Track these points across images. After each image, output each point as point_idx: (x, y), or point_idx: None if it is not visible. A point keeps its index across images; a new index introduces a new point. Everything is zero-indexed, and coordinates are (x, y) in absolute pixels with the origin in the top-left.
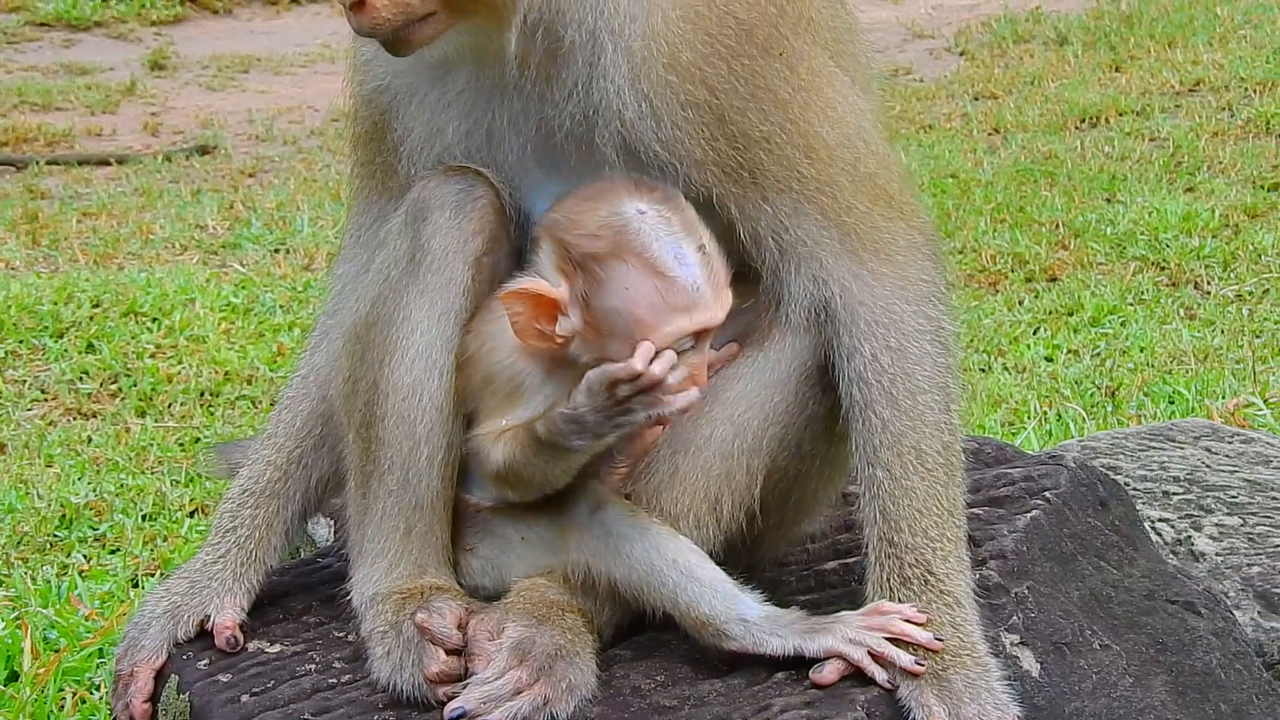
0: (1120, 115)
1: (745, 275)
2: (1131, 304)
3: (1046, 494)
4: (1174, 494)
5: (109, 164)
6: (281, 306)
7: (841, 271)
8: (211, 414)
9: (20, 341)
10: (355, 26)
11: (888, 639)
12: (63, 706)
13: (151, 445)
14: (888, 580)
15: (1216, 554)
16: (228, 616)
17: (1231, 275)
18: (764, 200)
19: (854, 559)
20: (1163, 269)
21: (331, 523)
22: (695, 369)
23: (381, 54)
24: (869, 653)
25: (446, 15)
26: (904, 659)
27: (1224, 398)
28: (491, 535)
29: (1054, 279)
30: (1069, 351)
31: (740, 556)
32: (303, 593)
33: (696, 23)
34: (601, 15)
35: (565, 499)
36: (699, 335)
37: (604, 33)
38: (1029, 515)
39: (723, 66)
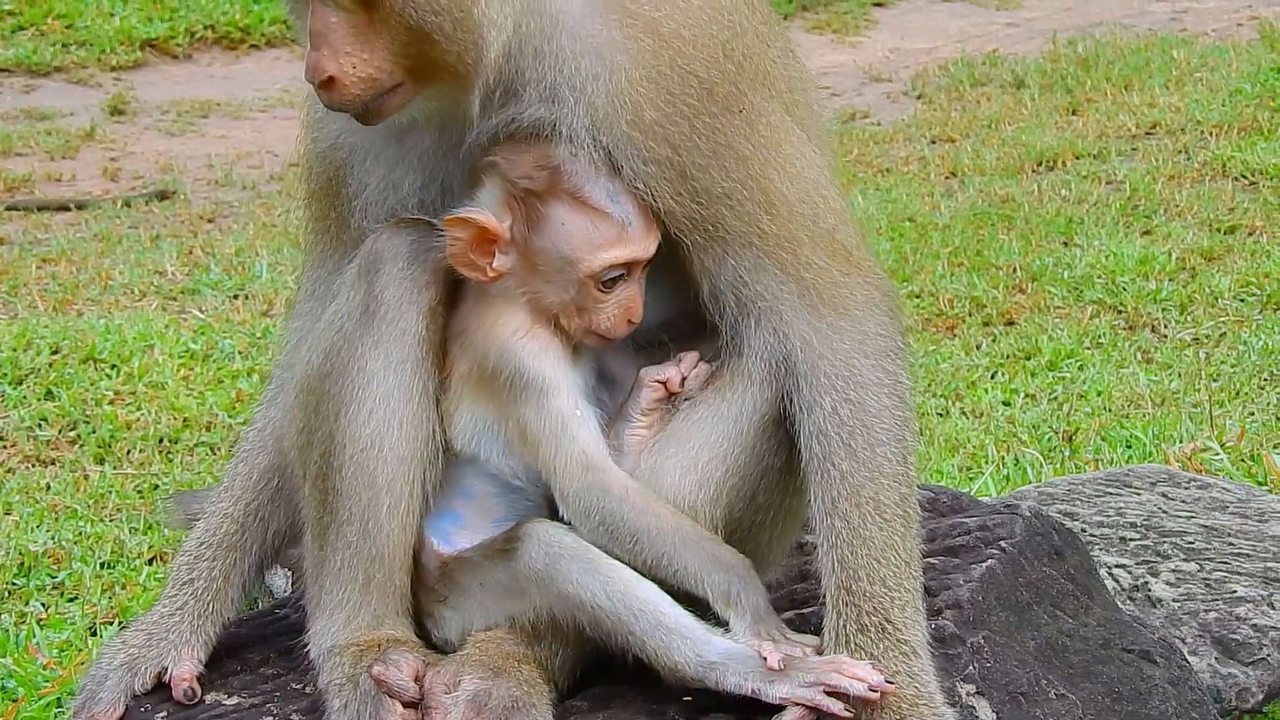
0: (1077, 158)
1: (704, 329)
2: (1089, 348)
3: (1002, 543)
4: (1131, 540)
5: (69, 209)
6: (240, 353)
7: (801, 326)
8: (170, 461)
9: None
10: (326, 103)
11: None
12: None
13: (110, 492)
14: (845, 628)
15: (1173, 600)
16: (185, 668)
17: (1188, 318)
18: (725, 255)
19: (810, 609)
20: (1120, 312)
21: (289, 574)
22: (630, 301)
23: (335, 113)
24: (824, 689)
25: (413, 85)
26: (857, 688)
27: (1181, 442)
28: (456, 585)
29: (1011, 323)
30: (1026, 396)
31: (696, 607)
32: (260, 644)
33: (659, 83)
34: (561, 73)
35: (516, 545)
36: (630, 267)
37: (564, 88)
38: (985, 565)
39: (684, 125)
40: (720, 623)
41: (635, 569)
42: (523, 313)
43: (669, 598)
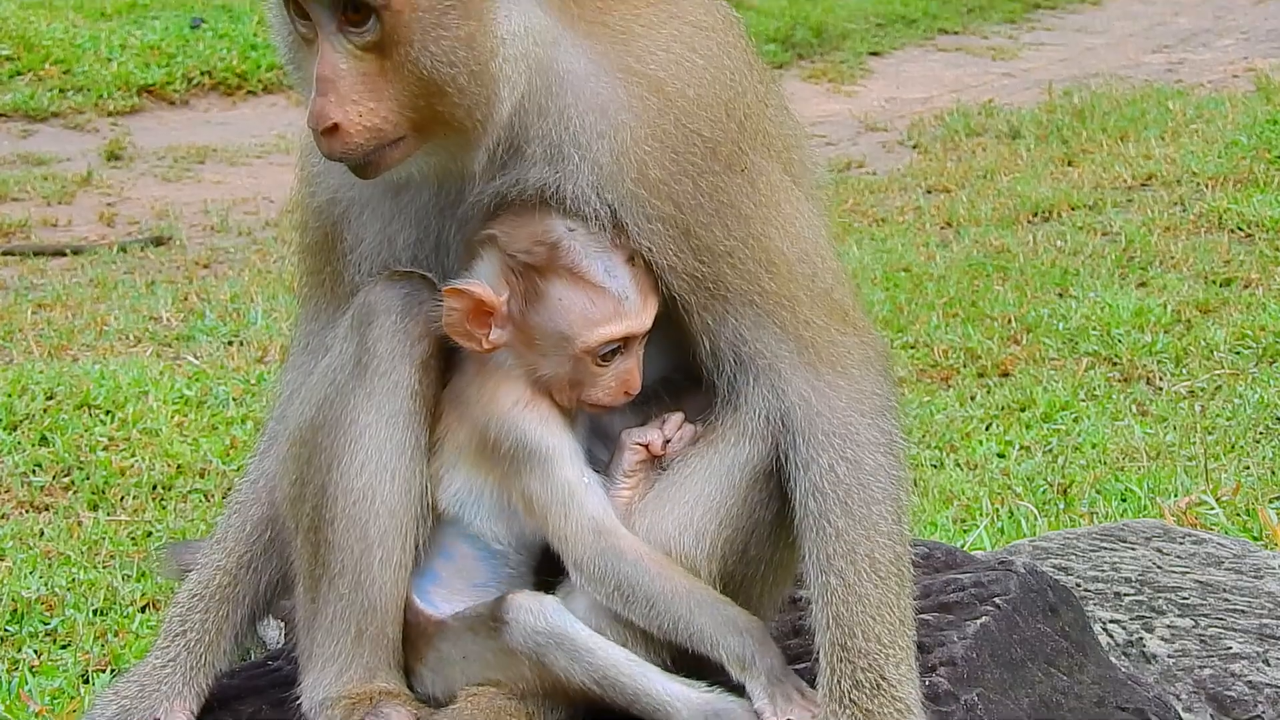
0: (1073, 209)
1: (699, 383)
2: (1084, 400)
3: (996, 600)
4: (1125, 595)
5: (64, 255)
6: (235, 399)
7: (800, 383)
8: (164, 508)
9: None
10: (326, 151)
11: None
12: None
13: (104, 539)
14: (840, 684)
15: (1168, 656)
16: None
17: (1184, 371)
18: (726, 313)
19: (804, 664)
20: (1115, 364)
21: (282, 625)
22: (628, 374)
23: (333, 166)
24: None
25: (416, 138)
26: None
27: (1176, 495)
28: (436, 650)
29: (1006, 374)
30: (1021, 448)
31: (686, 662)
32: (252, 696)
33: (663, 141)
34: (567, 130)
35: (501, 626)
36: (626, 341)
37: (569, 146)
38: (979, 621)
39: (688, 183)
40: (735, 685)
41: (650, 632)
42: (522, 383)
43: (655, 672)
